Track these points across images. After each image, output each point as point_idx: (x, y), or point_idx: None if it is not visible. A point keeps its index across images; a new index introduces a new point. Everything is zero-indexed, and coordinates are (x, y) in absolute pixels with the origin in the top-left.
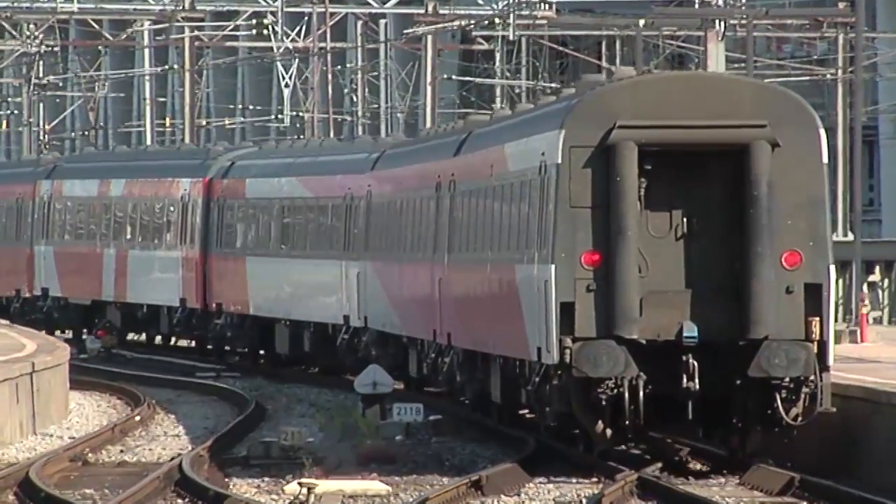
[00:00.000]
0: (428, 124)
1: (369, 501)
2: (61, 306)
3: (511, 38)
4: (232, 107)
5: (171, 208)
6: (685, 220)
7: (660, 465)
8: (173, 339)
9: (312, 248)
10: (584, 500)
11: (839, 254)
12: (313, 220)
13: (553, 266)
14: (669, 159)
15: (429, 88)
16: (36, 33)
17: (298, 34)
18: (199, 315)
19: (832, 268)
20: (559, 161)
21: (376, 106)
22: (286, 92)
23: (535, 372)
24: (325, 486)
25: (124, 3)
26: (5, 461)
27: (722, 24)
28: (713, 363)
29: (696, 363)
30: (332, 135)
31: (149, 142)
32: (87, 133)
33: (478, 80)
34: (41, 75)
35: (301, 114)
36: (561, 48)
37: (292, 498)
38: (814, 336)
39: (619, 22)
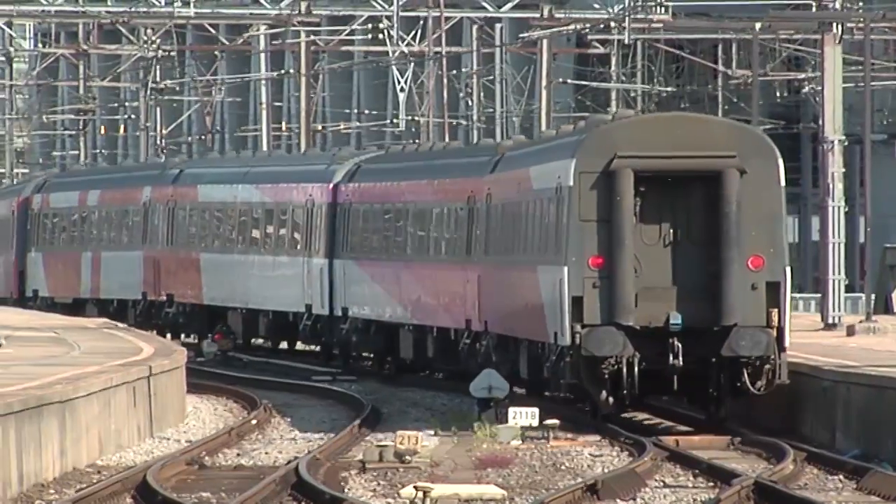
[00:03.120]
0: (543, 128)
1: None
2: (48, 305)
3: (626, 41)
4: (347, 111)
5: (135, 213)
6: (672, 231)
7: (779, 468)
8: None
9: (271, 247)
10: None
11: None
12: (273, 223)
13: (566, 267)
14: (659, 183)
15: (544, 92)
16: (153, 38)
17: (414, 38)
18: (156, 306)
19: (787, 269)
20: (571, 184)
21: (491, 110)
22: (401, 96)
23: (553, 352)
24: (440, 490)
25: (240, 7)
26: (123, 464)
27: (839, 26)
28: (693, 345)
29: (680, 345)
30: (447, 138)
31: (264, 147)
32: (203, 137)
33: (593, 83)
34: (158, 80)
35: (416, 118)
36: (677, 52)
37: (408, 502)
38: (773, 323)
39: (735, 25)
